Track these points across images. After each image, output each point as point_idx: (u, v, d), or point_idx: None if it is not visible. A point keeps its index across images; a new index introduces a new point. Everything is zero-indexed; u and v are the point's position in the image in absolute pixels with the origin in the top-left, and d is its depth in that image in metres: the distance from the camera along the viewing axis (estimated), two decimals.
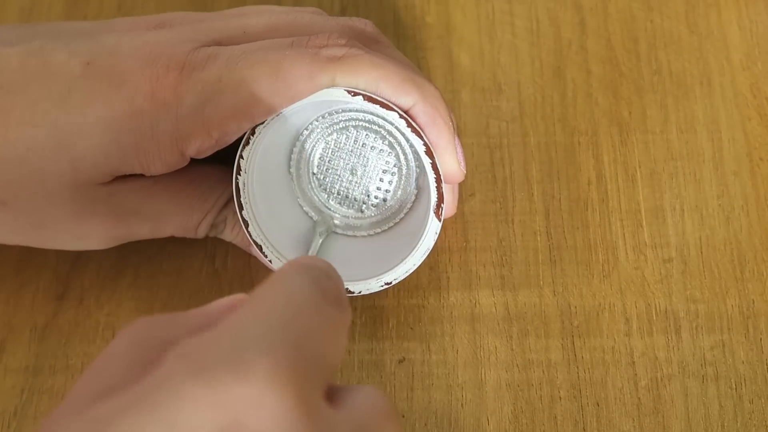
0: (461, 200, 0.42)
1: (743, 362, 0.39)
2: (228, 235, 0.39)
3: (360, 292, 0.38)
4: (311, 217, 0.40)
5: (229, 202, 0.39)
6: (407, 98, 0.35)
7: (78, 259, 0.41)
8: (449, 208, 0.39)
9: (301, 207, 0.40)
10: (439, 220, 0.36)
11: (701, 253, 0.41)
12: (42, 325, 0.40)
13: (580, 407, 0.38)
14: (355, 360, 0.39)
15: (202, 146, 0.35)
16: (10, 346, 0.39)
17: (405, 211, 0.40)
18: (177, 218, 0.38)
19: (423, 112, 0.36)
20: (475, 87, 0.45)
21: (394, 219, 0.40)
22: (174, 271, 0.41)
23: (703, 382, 0.39)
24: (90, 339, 0.39)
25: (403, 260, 0.37)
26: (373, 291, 0.38)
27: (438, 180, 0.36)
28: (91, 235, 0.38)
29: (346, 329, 0.26)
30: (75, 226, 0.37)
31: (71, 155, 0.35)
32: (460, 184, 0.42)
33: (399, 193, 0.39)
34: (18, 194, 0.36)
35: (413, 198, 0.40)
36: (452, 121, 0.37)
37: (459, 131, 0.44)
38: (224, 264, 0.41)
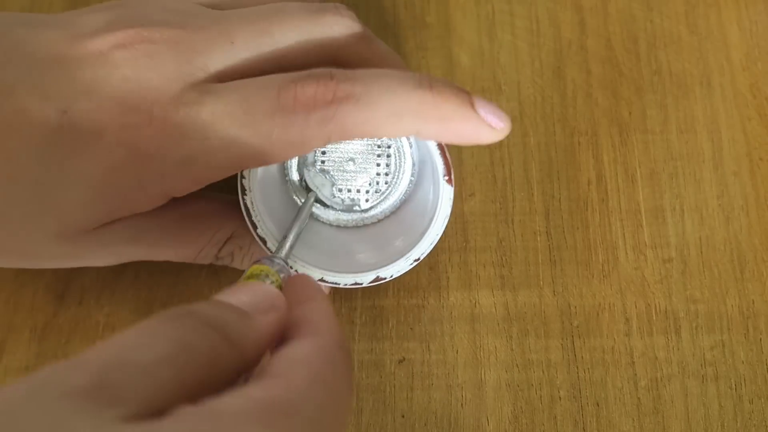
0: (461, 200, 0.42)
1: (743, 362, 0.39)
2: (239, 265, 0.39)
3: (392, 276, 0.38)
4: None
5: (230, 239, 0.38)
6: (408, 130, 0.34)
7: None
8: (494, 124, 0.35)
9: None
10: (451, 185, 0.36)
11: (701, 253, 0.41)
12: (42, 325, 0.40)
13: (580, 407, 0.38)
14: (355, 360, 0.39)
15: (190, 191, 0.34)
16: (10, 346, 0.39)
17: (410, 188, 0.40)
18: (171, 250, 0.37)
19: (428, 134, 0.34)
20: (475, 87, 0.45)
21: (401, 198, 0.40)
22: (174, 271, 0.41)
23: (703, 382, 0.39)
24: (90, 339, 0.39)
25: (424, 234, 0.37)
26: (404, 271, 0.37)
27: (441, 147, 0.36)
28: (91, 263, 0.37)
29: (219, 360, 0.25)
30: (69, 262, 0.37)
31: (55, 211, 0.34)
32: (460, 184, 0.42)
33: (399, 171, 0.39)
34: (5, 243, 0.35)
35: (415, 173, 0.40)
36: (461, 100, 0.34)
37: None
38: (224, 266, 0.41)
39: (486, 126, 0.34)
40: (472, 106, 0.34)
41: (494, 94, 0.45)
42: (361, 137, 0.34)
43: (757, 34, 0.46)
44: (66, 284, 0.41)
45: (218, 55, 0.34)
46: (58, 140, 0.33)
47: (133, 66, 0.33)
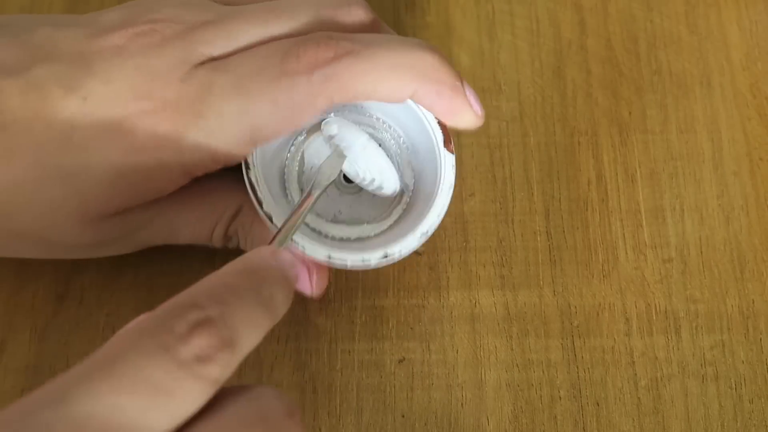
0: (461, 200, 0.42)
1: (743, 362, 0.39)
2: (244, 245, 0.39)
3: (400, 252, 0.36)
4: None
5: (236, 216, 0.38)
6: (406, 90, 0.35)
7: (78, 258, 0.41)
8: (474, 109, 0.37)
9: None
10: (452, 153, 0.36)
11: (701, 253, 0.41)
12: (42, 325, 0.40)
13: (580, 407, 0.38)
14: (355, 360, 0.39)
15: (209, 170, 0.36)
16: (10, 346, 0.39)
17: (416, 174, 0.39)
18: (188, 229, 0.39)
19: (425, 95, 0.35)
20: (475, 87, 0.45)
21: (409, 185, 0.39)
22: (174, 271, 0.41)
23: (703, 382, 0.39)
24: (90, 339, 0.39)
25: (431, 207, 0.37)
26: (413, 248, 0.36)
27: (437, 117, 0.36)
28: (108, 251, 0.39)
29: (192, 388, 0.27)
30: (92, 251, 0.38)
31: (79, 196, 0.35)
32: (460, 184, 0.42)
33: (403, 157, 0.39)
34: (31, 227, 0.36)
35: (417, 156, 0.39)
36: (454, 74, 0.36)
37: None
38: (224, 264, 0.41)
39: (469, 106, 0.36)
40: (462, 84, 0.36)
41: (494, 94, 0.45)
42: (364, 96, 0.34)
43: (757, 34, 0.46)
44: (66, 284, 0.41)
45: (221, 48, 0.36)
46: (81, 126, 0.35)
47: (144, 55, 0.35)
